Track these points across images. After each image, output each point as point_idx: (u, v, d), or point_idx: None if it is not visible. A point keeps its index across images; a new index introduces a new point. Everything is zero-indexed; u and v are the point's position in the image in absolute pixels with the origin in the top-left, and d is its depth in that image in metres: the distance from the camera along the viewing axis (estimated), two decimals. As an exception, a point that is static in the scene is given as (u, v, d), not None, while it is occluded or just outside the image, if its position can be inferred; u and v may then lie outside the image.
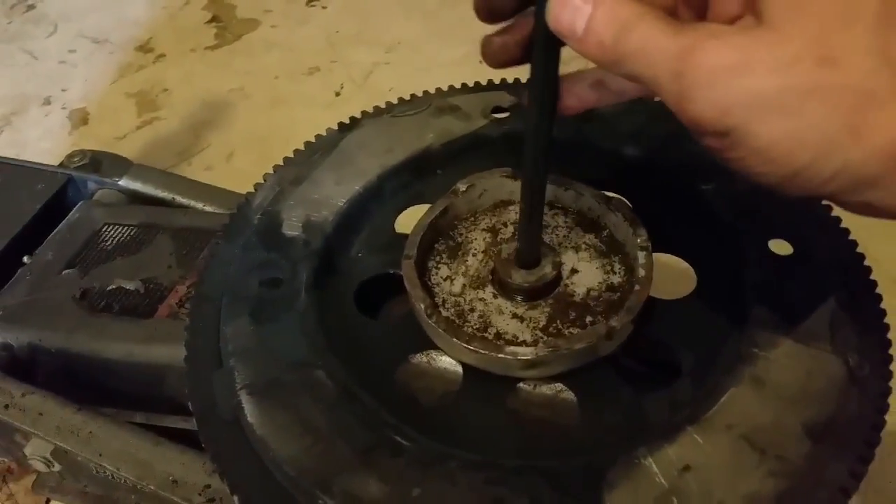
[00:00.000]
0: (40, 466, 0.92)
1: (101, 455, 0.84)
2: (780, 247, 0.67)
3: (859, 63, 0.40)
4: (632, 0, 0.44)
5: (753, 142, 0.42)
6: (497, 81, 0.85)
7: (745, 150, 0.43)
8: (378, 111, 0.85)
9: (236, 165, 1.71)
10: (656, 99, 0.46)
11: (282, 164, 0.81)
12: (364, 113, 0.85)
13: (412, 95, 0.86)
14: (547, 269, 0.66)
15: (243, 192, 0.80)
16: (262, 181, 0.79)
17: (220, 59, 2.02)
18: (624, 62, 0.45)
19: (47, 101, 1.93)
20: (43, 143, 1.81)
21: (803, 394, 0.57)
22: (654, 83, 0.44)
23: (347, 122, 0.84)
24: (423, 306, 0.64)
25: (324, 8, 2.16)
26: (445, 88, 0.87)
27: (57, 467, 0.91)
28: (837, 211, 0.70)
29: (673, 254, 0.71)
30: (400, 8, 2.09)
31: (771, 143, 0.42)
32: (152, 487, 0.81)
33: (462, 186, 0.73)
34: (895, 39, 0.40)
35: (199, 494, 0.81)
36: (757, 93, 0.41)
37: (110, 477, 0.87)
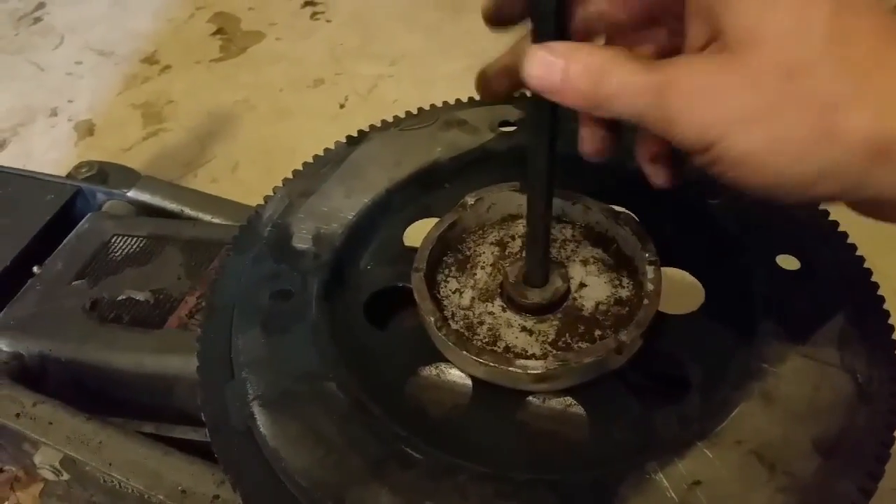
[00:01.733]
0: (49, 475, 0.92)
1: (110, 465, 0.84)
2: (787, 262, 0.68)
3: (820, 72, 0.43)
4: (601, 47, 0.48)
5: (732, 153, 0.45)
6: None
7: (728, 162, 0.46)
8: (386, 125, 0.86)
9: (241, 177, 1.71)
10: None
11: (290, 176, 0.81)
12: (372, 126, 0.86)
13: (419, 109, 0.87)
14: (555, 288, 0.67)
15: (249, 203, 0.80)
16: (272, 193, 0.80)
17: (225, 72, 2.03)
18: (606, 105, 0.48)
19: (54, 113, 1.94)
20: (50, 154, 1.81)
21: (812, 409, 0.57)
22: (638, 118, 0.47)
23: (353, 134, 0.84)
24: (432, 319, 0.64)
25: (328, 21, 2.17)
26: (449, 101, 0.87)
27: (65, 476, 0.91)
28: (845, 226, 0.71)
29: (680, 268, 0.71)
30: (403, 21, 2.10)
31: (748, 152, 0.45)
32: (161, 497, 0.82)
33: (470, 200, 0.74)
34: (850, 45, 0.42)
35: (208, 505, 0.82)
36: (729, 108, 0.44)
37: (118, 486, 0.87)
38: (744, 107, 0.44)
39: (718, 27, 0.45)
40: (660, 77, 0.46)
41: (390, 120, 0.86)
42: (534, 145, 0.57)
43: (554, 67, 0.48)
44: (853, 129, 0.42)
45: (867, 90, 0.42)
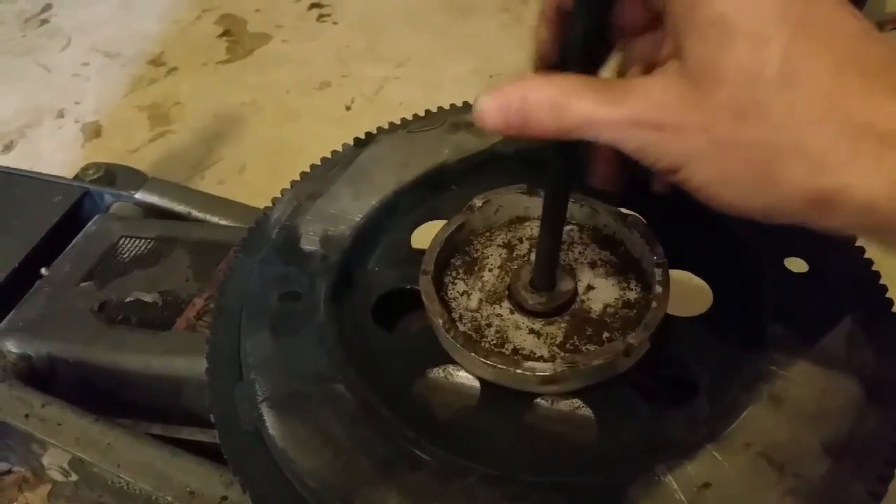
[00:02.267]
0: (57, 476, 0.93)
1: (119, 466, 0.84)
2: (795, 264, 0.68)
3: (767, 119, 0.44)
4: (560, 76, 0.49)
5: (693, 181, 0.48)
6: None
7: (692, 186, 0.48)
8: (393, 127, 0.86)
9: (248, 179, 1.72)
10: None
11: (297, 178, 0.81)
12: (380, 128, 0.86)
13: (427, 111, 0.87)
14: (563, 291, 0.67)
15: (256, 205, 0.80)
16: (279, 195, 0.80)
17: (231, 73, 2.03)
18: (572, 134, 0.49)
19: (61, 114, 1.94)
20: (56, 155, 1.82)
21: (821, 411, 0.57)
22: (610, 143, 0.49)
23: (360, 136, 0.84)
24: (440, 321, 0.64)
25: (335, 23, 2.17)
26: (456, 103, 0.87)
27: (74, 477, 0.92)
28: (852, 229, 0.71)
29: (688, 271, 0.71)
30: (409, 24, 2.11)
31: (703, 183, 0.47)
32: (169, 499, 0.82)
33: (478, 202, 0.74)
34: (798, 96, 0.43)
35: (215, 506, 0.82)
36: (688, 146, 0.46)
37: (126, 487, 0.87)
38: (698, 146, 0.46)
39: (681, 50, 0.46)
40: (621, 111, 0.47)
41: (397, 122, 0.86)
42: (553, 153, 0.57)
43: (509, 112, 0.49)
44: (791, 181, 0.44)
45: (807, 144, 0.43)
